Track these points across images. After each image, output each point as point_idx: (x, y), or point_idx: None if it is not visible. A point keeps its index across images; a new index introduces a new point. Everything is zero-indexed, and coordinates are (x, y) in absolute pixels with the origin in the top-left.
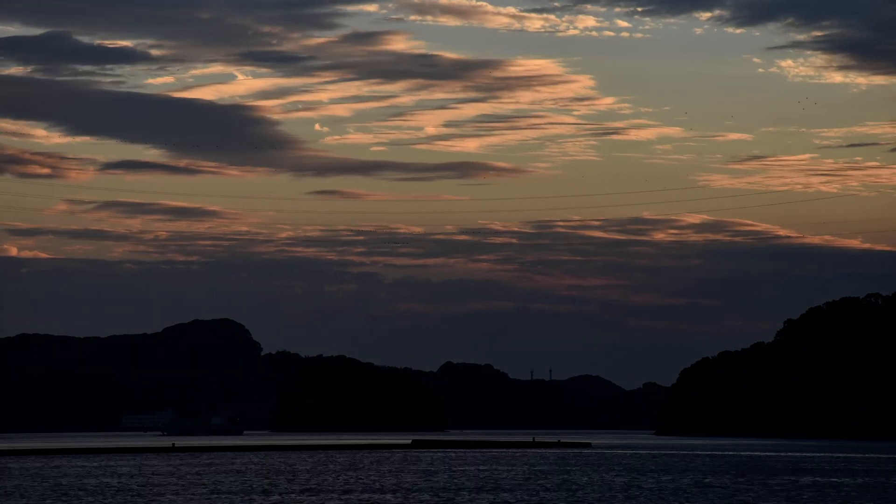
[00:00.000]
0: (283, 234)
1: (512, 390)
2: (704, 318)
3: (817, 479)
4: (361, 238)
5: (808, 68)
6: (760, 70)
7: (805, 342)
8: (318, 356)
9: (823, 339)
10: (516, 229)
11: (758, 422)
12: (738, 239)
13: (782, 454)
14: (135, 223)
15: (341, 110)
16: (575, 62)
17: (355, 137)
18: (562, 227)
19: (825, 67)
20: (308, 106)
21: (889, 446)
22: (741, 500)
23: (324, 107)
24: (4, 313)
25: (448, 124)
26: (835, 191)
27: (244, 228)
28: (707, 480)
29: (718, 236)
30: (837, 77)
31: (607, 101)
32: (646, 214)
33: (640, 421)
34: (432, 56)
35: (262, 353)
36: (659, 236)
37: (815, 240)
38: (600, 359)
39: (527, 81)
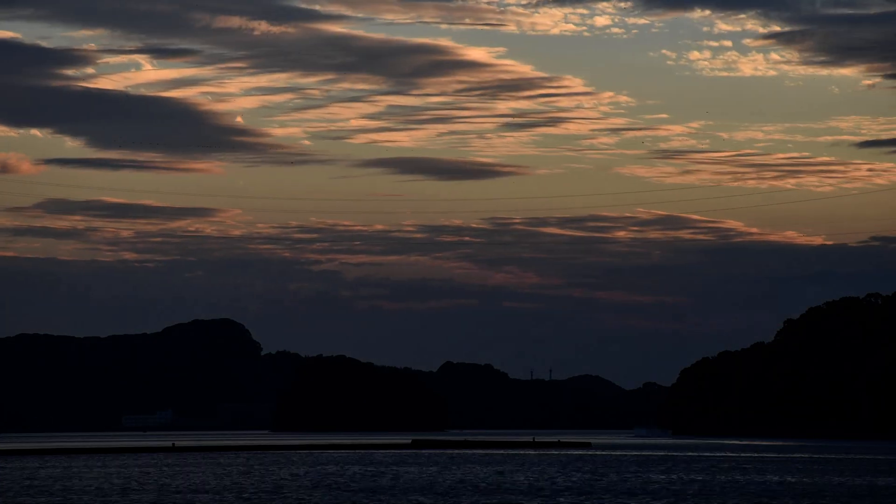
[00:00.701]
0: (261, 231)
1: (512, 390)
2: (699, 317)
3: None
4: (316, 236)
5: (721, 62)
6: (670, 63)
7: (805, 342)
8: (318, 356)
9: (823, 339)
10: (475, 226)
11: (758, 422)
12: (700, 237)
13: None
14: (119, 223)
15: (253, 102)
16: (498, 53)
17: (282, 131)
18: (520, 224)
19: (753, 61)
20: (219, 98)
21: (889, 446)
22: None
23: (237, 98)
24: (4, 313)
25: (373, 116)
26: (790, 186)
27: (233, 226)
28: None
29: (680, 233)
30: (770, 70)
31: (534, 92)
32: (604, 212)
33: (640, 421)
34: (347, 45)
35: (262, 353)
36: (620, 234)
37: (776, 236)
38: (600, 359)
39: (447, 71)
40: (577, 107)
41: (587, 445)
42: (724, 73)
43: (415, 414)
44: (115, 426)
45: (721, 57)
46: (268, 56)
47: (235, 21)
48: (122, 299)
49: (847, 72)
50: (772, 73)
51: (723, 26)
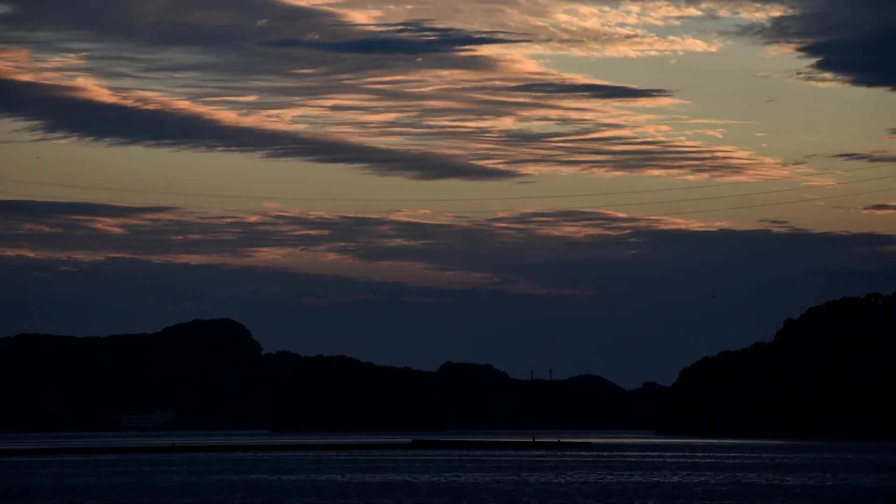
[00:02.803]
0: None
1: (512, 390)
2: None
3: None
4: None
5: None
6: None
7: (805, 342)
8: (318, 356)
9: (823, 339)
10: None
11: (758, 422)
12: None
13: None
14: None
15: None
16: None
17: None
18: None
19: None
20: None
21: (889, 446)
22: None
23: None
24: (5, 313)
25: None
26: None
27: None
28: None
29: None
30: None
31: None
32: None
33: (640, 421)
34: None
35: (262, 353)
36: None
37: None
38: (600, 359)
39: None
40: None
41: (587, 445)
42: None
43: (415, 414)
44: (115, 426)
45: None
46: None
47: None
48: (123, 299)
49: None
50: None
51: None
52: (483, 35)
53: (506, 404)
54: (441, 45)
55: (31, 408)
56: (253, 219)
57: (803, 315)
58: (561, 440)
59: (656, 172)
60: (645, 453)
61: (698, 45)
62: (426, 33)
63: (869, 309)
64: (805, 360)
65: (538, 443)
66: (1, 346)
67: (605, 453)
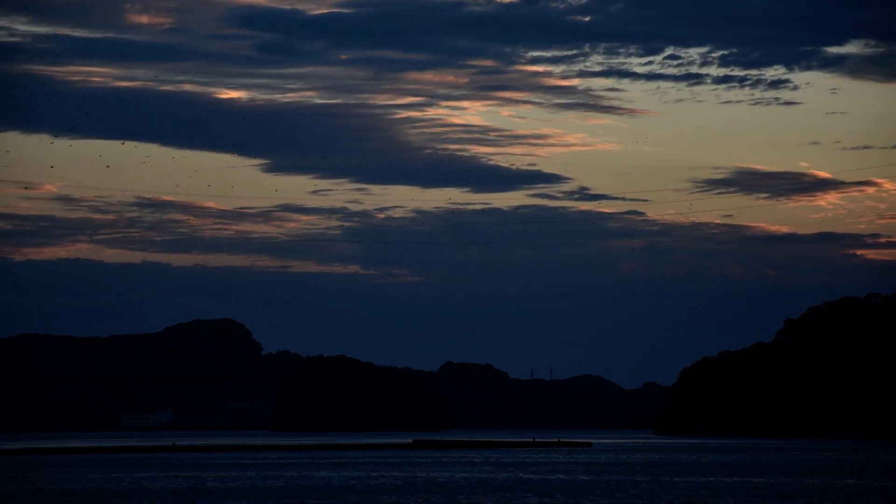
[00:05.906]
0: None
1: (512, 390)
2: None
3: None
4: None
5: None
6: None
7: (805, 342)
8: (318, 356)
9: (823, 339)
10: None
11: (758, 422)
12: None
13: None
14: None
15: None
16: None
17: None
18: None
19: None
20: None
21: (889, 446)
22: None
23: None
24: (5, 313)
25: None
26: None
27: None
28: None
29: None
30: None
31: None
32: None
33: (640, 421)
34: None
35: (263, 353)
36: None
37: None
38: (600, 359)
39: None
40: None
41: (588, 445)
42: None
43: (415, 414)
44: (115, 426)
45: None
46: None
47: None
48: (123, 299)
49: None
50: None
51: None
52: None
53: (506, 404)
54: None
55: (31, 408)
56: None
57: (803, 315)
58: (561, 440)
59: None
60: (643, 454)
61: None
62: None
63: (869, 309)
64: (805, 360)
65: (538, 443)
66: (1, 346)
67: (606, 454)
